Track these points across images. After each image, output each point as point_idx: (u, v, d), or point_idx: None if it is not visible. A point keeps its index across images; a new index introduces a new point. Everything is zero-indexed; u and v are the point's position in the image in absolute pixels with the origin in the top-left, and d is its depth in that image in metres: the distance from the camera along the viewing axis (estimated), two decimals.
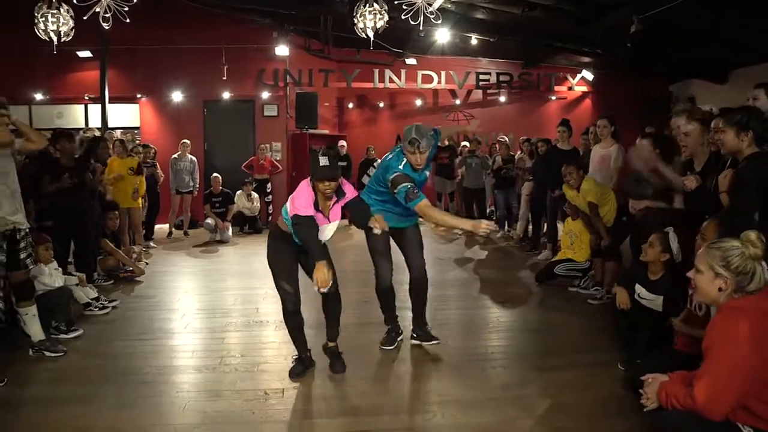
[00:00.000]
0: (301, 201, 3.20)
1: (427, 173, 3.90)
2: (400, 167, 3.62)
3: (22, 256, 3.81)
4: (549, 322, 4.83)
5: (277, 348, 4.06)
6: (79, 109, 10.70)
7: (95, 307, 4.91)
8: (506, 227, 9.41)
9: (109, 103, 9.96)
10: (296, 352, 3.61)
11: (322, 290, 3.10)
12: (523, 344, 4.32)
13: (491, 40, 9.61)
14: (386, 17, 7.14)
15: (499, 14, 8.77)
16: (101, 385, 3.44)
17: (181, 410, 3.11)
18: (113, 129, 9.91)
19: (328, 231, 3.39)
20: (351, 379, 3.55)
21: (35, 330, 3.97)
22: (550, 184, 7.14)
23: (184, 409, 3.14)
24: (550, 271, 5.87)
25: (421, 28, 7.56)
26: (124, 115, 10.76)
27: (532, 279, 6.16)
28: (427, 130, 3.61)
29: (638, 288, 3.74)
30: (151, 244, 8.49)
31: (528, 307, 5.31)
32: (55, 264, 4.44)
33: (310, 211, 3.18)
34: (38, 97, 10.37)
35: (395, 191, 3.55)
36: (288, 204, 3.35)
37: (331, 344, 3.71)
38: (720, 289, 2.24)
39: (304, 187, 3.26)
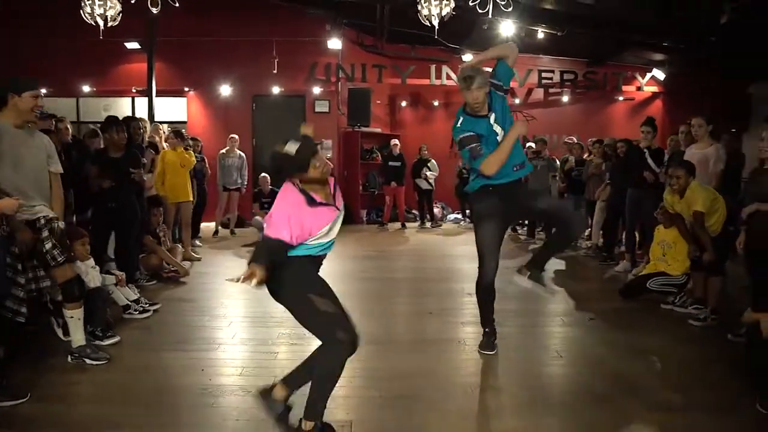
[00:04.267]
0: (282, 214, 2.42)
1: (492, 120, 3.57)
2: (459, 125, 3.60)
3: (47, 246, 3.33)
4: (646, 348, 4.08)
5: None
6: (126, 102, 10.50)
7: (135, 310, 4.48)
8: None
9: (156, 96, 9.65)
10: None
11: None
12: (620, 375, 3.61)
13: (559, 33, 8.90)
14: (453, 4, 6.58)
15: (571, 4, 8.10)
16: (130, 407, 2.96)
17: None
18: (160, 123, 9.60)
19: (338, 223, 2.59)
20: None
21: (77, 335, 3.55)
22: (629, 188, 6.46)
23: None
24: (640, 286, 5.15)
25: (490, 16, 6.98)
26: (171, 109, 10.48)
27: (615, 293, 5.46)
28: (483, 72, 3.55)
29: None
30: (197, 242, 8.11)
31: (618, 327, 4.57)
32: (92, 261, 4.00)
33: (300, 218, 2.42)
34: (86, 89, 10.21)
35: (461, 153, 3.68)
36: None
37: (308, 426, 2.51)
38: None
39: (287, 193, 2.49)
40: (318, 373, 2.47)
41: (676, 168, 4.66)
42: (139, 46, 9.87)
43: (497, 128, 3.57)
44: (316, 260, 2.58)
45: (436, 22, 6.65)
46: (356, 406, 3.04)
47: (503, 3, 6.63)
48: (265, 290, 2.42)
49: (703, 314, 4.59)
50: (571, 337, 4.33)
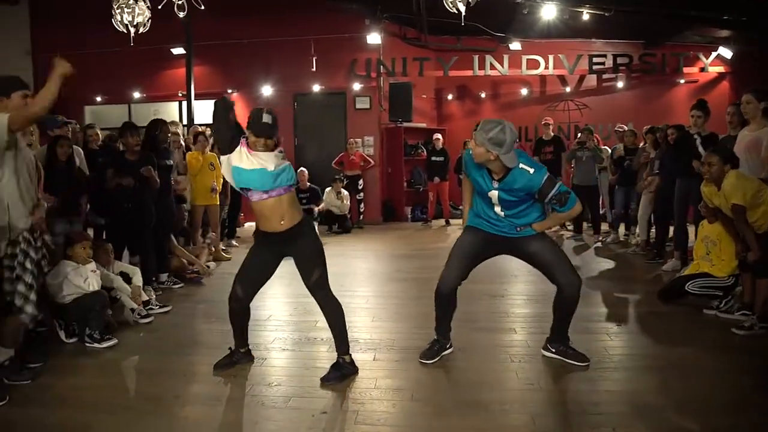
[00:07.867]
0: None
1: (496, 185, 3.29)
2: (467, 154, 3.44)
3: (19, 258, 3.14)
4: (676, 360, 3.63)
5: (321, 374, 3.34)
6: (173, 105, 10.81)
7: (138, 314, 4.46)
8: (624, 231, 8.11)
9: (200, 99, 9.83)
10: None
11: None
12: (637, 391, 3.19)
13: (606, 14, 8.28)
14: None
15: None
16: (105, 414, 2.91)
17: None
18: (201, 125, 9.79)
19: (245, 161, 3.10)
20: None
21: None
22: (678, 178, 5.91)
23: None
24: (680, 288, 4.66)
25: (524, 1, 6.58)
26: None
27: (655, 296, 4.96)
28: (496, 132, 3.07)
29: None
30: (234, 243, 8.20)
31: (648, 336, 4.13)
32: (93, 265, 4.04)
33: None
34: (136, 95, 10.59)
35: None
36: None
37: (343, 357, 3.36)
38: None
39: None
40: None
41: (710, 155, 4.13)
42: (184, 51, 10.09)
43: (494, 194, 3.30)
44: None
45: (462, 9, 6.35)
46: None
47: None
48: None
49: (749, 321, 4.06)
50: (593, 348, 3.91)
